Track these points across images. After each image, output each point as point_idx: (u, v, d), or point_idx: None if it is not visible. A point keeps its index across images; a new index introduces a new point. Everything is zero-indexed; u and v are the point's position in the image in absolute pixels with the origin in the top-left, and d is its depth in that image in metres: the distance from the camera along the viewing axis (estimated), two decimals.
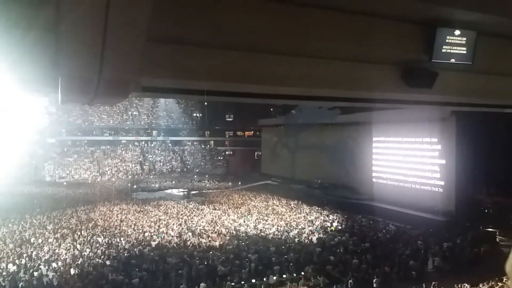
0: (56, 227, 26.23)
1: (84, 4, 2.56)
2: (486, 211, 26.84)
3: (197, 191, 46.62)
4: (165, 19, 4.36)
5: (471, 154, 25.46)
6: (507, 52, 6.69)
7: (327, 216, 30.14)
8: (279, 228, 26.00)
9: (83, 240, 22.77)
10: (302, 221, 28.14)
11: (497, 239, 22.27)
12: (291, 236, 23.96)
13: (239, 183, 51.72)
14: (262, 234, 24.72)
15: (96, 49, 2.93)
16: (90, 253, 20.17)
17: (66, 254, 19.93)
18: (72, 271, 17.57)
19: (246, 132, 71.83)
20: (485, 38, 6.11)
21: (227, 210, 32.57)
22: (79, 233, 24.32)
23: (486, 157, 24.32)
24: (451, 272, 17.25)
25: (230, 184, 52.50)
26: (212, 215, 30.40)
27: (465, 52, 6.00)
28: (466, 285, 13.86)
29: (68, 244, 21.69)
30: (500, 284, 12.84)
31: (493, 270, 14.45)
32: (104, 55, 2.94)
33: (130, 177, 56.16)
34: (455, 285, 13.53)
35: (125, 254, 20.07)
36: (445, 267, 18.11)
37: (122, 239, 23.01)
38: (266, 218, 29.30)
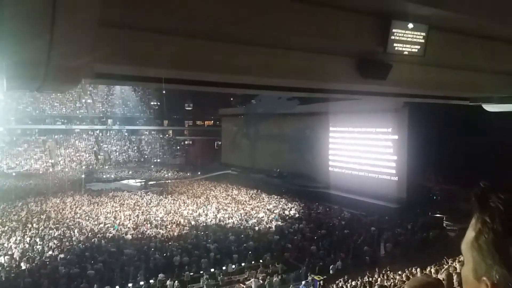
0: (5, 220, 24.94)
1: None
2: (434, 198, 28.28)
3: (155, 182, 45.82)
4: (120, 2, 4.19)
5: (422, 144, 26.63)
6: (457, 46, 6.98)
7: (286, 204, 30.61)
8: (238, 217, 26.13)
9: (35, 233, 21.83)
10: (261, 210, 28.43)
11: (444, 224, 23.56)
12: (250, 225, 24.16)
13: (199, 173, 51.35)
14: (222, 223, 24.76)
15: (44, 33, 2.77)
16: (42, 247, 19.38)
17: (15, 248, 19.03)
18: (23, 266, 16.83)
19: (206, 122, 71.18)
20: (437, 32, 6.34)
21: (186, 201, 32.30)
22: (30, 226, 23.29)
23: (435, 147, 25.51)
24: (402, 256, 18.08)
25: (189, 174, 52.00)
26: (171, 206, 30.04)
27: (417, 45, 6.22)
28: (416, 268, 14.56)
29: (18, 238, 20.72)
30: (446, 265, 13.61)
31: (440, 253, 15.28)
32: (53, 39, 2.78)
33: (84, 167, 54.20)
34: (406, 269, 14.18)
35: (80, 247, 19.47)
36: (397, 252, 18.96)
37: (76, 231, 22.29)
38: (225, 207, 29.34)
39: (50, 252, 18.55)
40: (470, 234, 0.95)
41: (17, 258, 17.63)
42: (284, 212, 27.90)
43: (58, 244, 19.78)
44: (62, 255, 18.16)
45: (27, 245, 19.51)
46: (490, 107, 10.22)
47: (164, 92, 57.91)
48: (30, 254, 18.21)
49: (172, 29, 5.36)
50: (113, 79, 6.50)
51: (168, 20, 4.91)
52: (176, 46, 5.57)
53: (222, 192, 37.01)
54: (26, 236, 21.10)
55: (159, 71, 6.26)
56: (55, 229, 22.63)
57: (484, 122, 17.69)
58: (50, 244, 19.80)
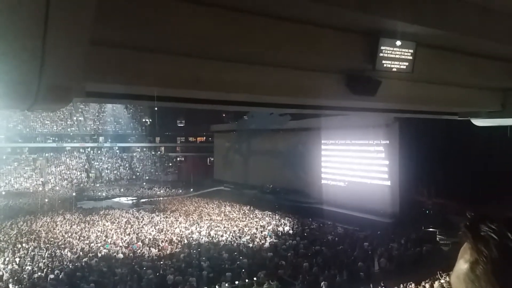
0: None
1: (22, 2, 2.42)
2: (427, 212, 28.33)
3: (147, 199, 45.40)
4: (111, 22, 4.23)
5: (414, 159, 26.80)
6: (444, 62, 7.13)
7: (279, 220, 30.44)
8: (231, 234, 25.89)
9: (24, 253, 21.42)
10: (254, 226, 28.22)
11: (437, 238, 23.56)
12: (243, 242, 23.93)
13: (191, 189, 51.02)
14: (215, 240, 24.50)
15: (35, 52, 2.78)
16: (32, 267, 18.98)
17: (4, 269, 18.63)
18: (11, 287, 16.43)
19: (198, 138, 71.05)
20: (424, 48, 6.48)
21: (179, 218, 31.99)
22: (19, 246, 22.85)
23: (427, 161, 25.69)
24: (397, 271, 17.98)
25: (181, 191, 51.64)
26: (163, 224, 29.71)
27: (406, 62, 6.34)
28: (411, 283, 14.49)
29: (7, 258, 20.29)
30: (442, 281, 13.57)
31: (434, 267, 15.25)
32: (44, 58, 2.79)
33: (75, 185, 53.57)
34: (401, 284, 14.10)
35: (70, 267, 19.10)
36: (391, 267, 18.86)
37: (67, 250, 21.90)
38: (218, 224, 29.09)
39: (40, 273, 18.16)
40: (462, 266, 0.91)
41: (6, 279, 17.24)
42: (277, 229, 27.71)
43: (48, 264, 19.40)
44: (52, 276, 17.77)
45: (16, 266, 19.10)
46: (478, 122, 10.38)
47: (156, 109, 57.89)
48: (19, 275, 17.82)
49: (164, 48, 5.41)
50: (105, 97, 6.52)
51: (159, 39, 4.96)
52: (168, 65, 5.62)
53: (215, 208, 36.73)
54: (15, 257, 20.69)
55: (150, 89, 6.29)
56: (45, 249, 22.22)
57: (474, 136, 17.93)
58: (40, 264, 19.41)
